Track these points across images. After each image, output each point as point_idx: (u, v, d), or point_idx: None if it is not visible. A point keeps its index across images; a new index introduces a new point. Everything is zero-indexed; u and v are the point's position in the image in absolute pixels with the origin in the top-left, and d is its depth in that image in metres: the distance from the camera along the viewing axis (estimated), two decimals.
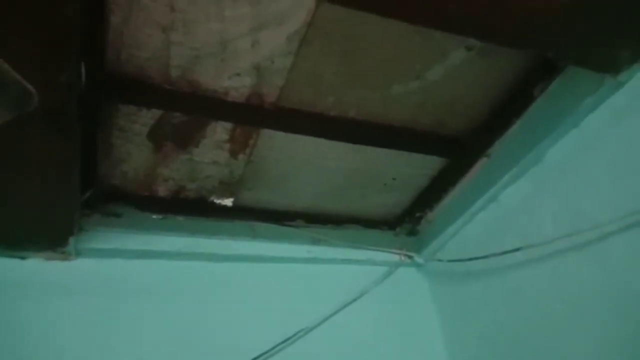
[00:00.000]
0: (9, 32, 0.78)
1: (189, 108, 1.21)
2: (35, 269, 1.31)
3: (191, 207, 1.50)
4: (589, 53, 1.04)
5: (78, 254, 1.36)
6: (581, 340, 1.19)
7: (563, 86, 1.25)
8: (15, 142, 1.00)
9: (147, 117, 1.23)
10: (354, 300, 1.59)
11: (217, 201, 1.52)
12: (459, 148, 1.48)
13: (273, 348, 1.40)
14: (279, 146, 1.38)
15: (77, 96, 0.94)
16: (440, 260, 1.66)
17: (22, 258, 1.31)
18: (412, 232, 1.78)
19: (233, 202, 1.54)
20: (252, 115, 1.25)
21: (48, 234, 1.30)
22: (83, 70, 0.96)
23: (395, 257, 1.73)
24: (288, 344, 1.43)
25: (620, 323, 1.11)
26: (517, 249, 1.34)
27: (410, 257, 1.74)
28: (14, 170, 1.09)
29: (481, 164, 1.48)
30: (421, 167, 1.55)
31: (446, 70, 1.25)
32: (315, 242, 1.64)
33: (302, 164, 1.46)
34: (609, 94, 1.19)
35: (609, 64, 1.09)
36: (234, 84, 1.18)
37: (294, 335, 1.45)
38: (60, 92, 0.92)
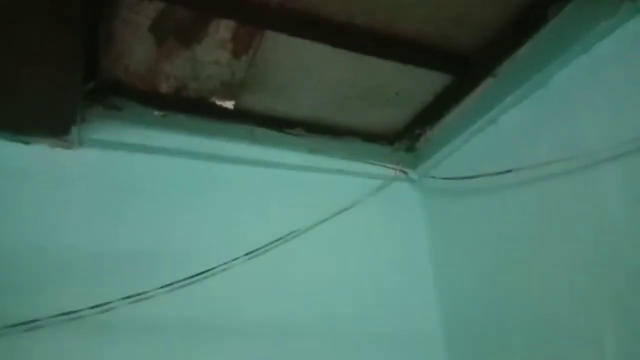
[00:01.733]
0: None
1: (192, 1, 1.18)
2: (38, 155, 1.36)
3: (192, 106, 1.51)
4: None
5: (81, 143, 1.40)
6: (560, 262, 1.25)
7: (579, 8, 1.20)
8: (19, 29, 1.00)
9: (150, 9, 1.20)
10: (346, 209, 1.65)
11: (218, 102, 1.53)
12: (465, 65, 1.45)
13: (265, 246, 1.48)
14: (282, 50, 1.36)
15: None
16: (433, 178, 1.70)
17: (26, 143, 1.35)
18: (410, 149, 1.80)
19: (234, 105, 1.54)
20: (257, 14, 1.22)
21: (52, 120, 1.33)
22: None
23: (390, 172, 1.77)
24: (279, 243, 1.51)
25: (600, 249, 1.15)
26: (508, 171, 1.36)
27: (405, 172, 1.78)
28: (17, 57, 1.10)
29: (486, 84, 1.46)
30: (425, 83, 1.53)
31: None
32: (314, 151, 1.67)
33: (305, 71, 1.44)
34: (626, 19, 1.14)
35: None
36: None
37: (286, 236, 1.52)
38: None
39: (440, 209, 1.73)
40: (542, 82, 1.33)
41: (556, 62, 1.27)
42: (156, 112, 1.48)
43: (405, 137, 1.76)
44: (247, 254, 1.44)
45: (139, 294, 1.30)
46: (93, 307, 1.24)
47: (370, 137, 1.77)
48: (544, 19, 1.27)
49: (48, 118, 1.31)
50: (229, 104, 1.54)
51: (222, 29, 1.28)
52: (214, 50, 1.34)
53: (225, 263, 1.40)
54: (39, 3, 0.96)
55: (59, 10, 0.98)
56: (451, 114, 1.60)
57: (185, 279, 1.34)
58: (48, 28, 1.02)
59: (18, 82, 1.16)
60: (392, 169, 1.77)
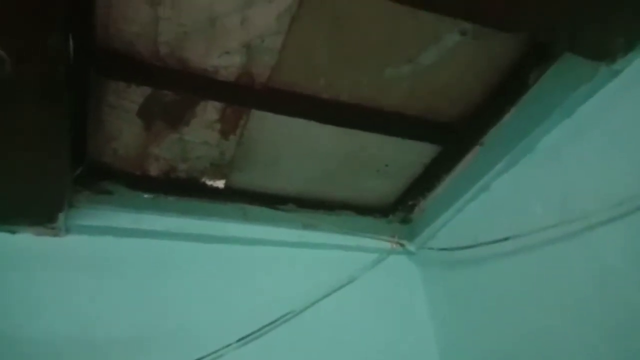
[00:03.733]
0: None
1: (178, 86, 1.20)
2: (24, 243, 1.32)
3: (182, 188, 1.50)
4: (582, 39, 1.02)
5: (68, 230, 1.37)
6: (568, 328, 1.18)
7: (558, 74, 1.23)
8: (4, 115, 1.01)
9: (137, 94, 1.23)
10: (344, 286, 1.59)
11: (209, 182, 1.52)
12: (452, 135, 1.46)
13: (259, 330, 1.40)
14: (270, 128, 1.37)
15: (65, 66, 0.94)
16: (431, 249, 1.66)
17: (12, 232, 1.32)
18: (405, 220, 1.77)
19: (225, 184, 1.54)
20: (243, 95, 1.25)
21: (38, 209, 1.31)
22: (71, 43, 0.96)
23: (386, 245, 1.72)
24: (275, 326, 1.43)
25: (607, 311, 1.10)
26: (506, 239, 1.32)
27: (402, 244, 1.73)
28: (2, 144, 1.09)
29: (474, 152, 1.47)
30: (414, 154, 1.54)
31: (440, 55, 1.23)
32: (307, 226, 1.64)
33: (294, 146, 1.45)
34: (604, 82, 1.16)
35: (603, 51, 1.07)
36: (224, 62, 1.17)
37: (281, 317, 1.45)
38: (47, 61, 0.91)
39: (440, 280, 1.67)
40: (529, 147, 1.33)
41: (541, 126, 1.28)
42: (146, 195, 1.46)
43: (399, 209, 1.74)
44: (239, 340, 1.36)
45: None
46: None
47: (363, 210, 1.74)
48: (525, 85, 1.30)
49: (34, 206, 1.29)
50: (220, 184, 1.54)
51: (210, 110, 1.30)
52: (202, 131, 1.35)
53: (216, 351, 1.32)
54: (24, 88, 0.97)
55: (43, 94, 0.99)
56: (443, 183, 1.59)
57: None
58: (35, 115, 1.03)
59: (3, 170, 1.15)
60: (389, 241, 1.73)
